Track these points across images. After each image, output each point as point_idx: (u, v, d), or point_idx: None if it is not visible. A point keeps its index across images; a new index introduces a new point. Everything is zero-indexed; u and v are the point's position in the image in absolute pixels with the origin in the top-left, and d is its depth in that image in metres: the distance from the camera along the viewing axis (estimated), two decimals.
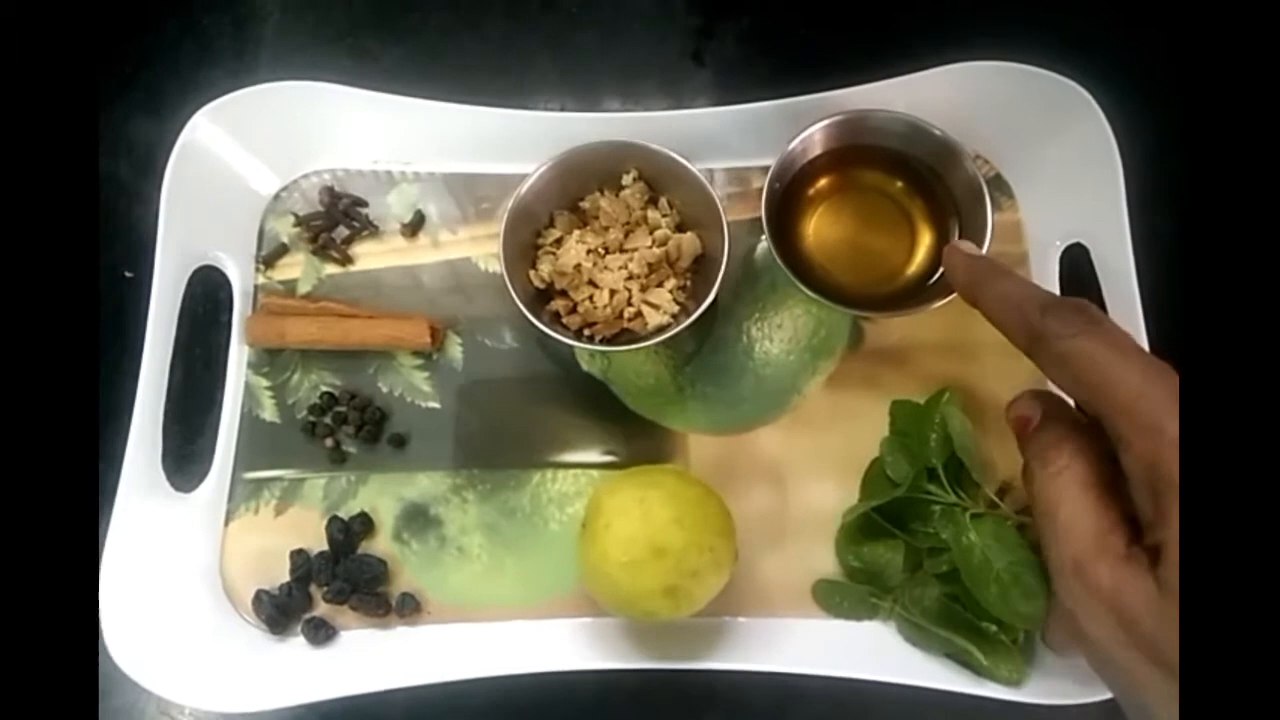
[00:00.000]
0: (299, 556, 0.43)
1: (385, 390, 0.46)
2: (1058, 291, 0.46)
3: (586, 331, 0.45)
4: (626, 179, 0.46)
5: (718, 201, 0.43)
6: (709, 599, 0.38)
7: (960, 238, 0.44)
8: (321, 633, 0.41)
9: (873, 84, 0.46)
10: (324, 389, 0.46)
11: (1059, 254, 0.46)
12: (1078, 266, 0.45)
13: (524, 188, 0.44)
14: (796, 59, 0.53)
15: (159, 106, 0.53)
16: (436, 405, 0.46)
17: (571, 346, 0.44)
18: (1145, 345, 0.41)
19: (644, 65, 0.53)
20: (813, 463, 0.44)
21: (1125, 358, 0.28)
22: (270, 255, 0.48)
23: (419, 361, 0.46)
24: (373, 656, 0.42)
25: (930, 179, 0.45)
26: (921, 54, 0.46)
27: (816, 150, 0.45)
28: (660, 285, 0.45)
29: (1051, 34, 0.47)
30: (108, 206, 0.51)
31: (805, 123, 0.45)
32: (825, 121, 0.44)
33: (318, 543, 0.43)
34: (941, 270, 0.44)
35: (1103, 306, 0.44)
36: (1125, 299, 0.43)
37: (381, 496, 0.44)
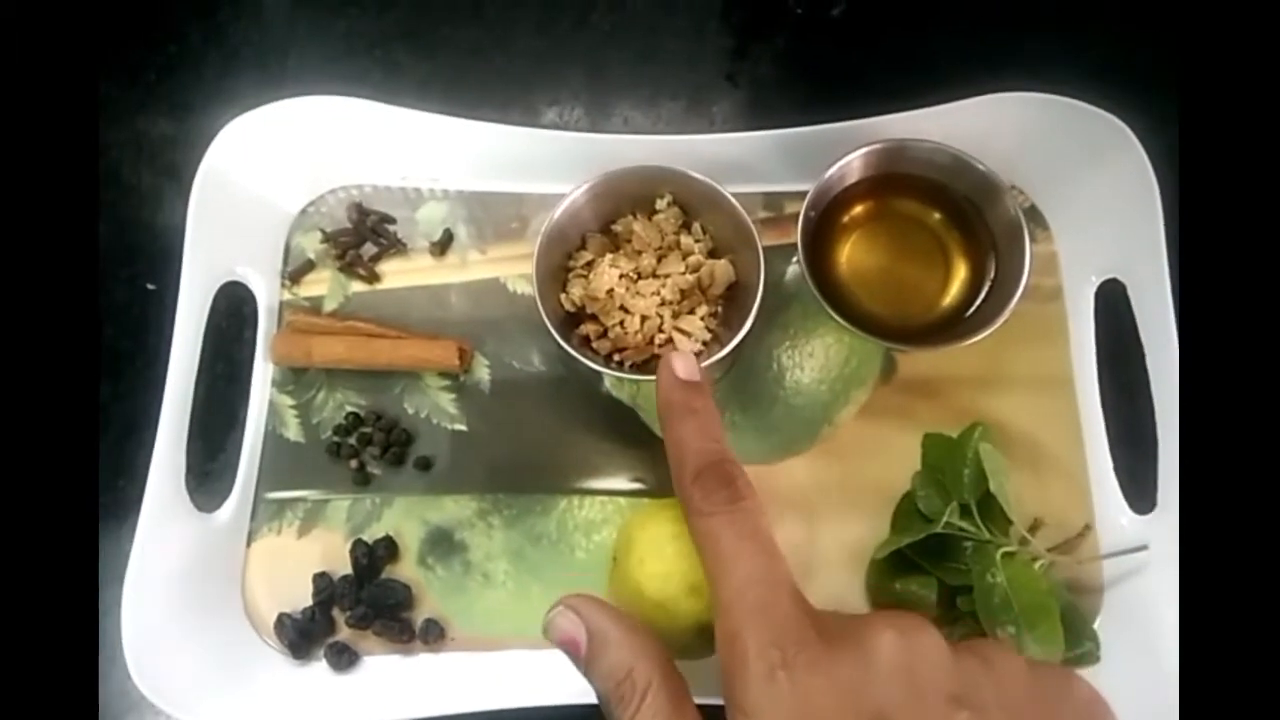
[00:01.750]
0: (322, 580, 0.42)
1: (411, 411, 0.45)
2: (1091, 329, 0.45)
3: (616, 357, 0.44)
4: (660, 203, 0.46)
5: (753, 229, 0.43)
6: None
7: (997, 275, 0.44)
8: (344, 658, 0.41)
9: (908, 112, 0.45)
10: (349, 409, 0.45)
11: (1094, 289, 0.46)
12: (1114, 302, 0.45)
13: (559, 209, 0.44)
14: (829, 83, 0.52)
15: (183, 116, 0.52)
16: (463, 428, 0.45)
17: (600, 372, 0.44)
18: (1177, 384, 0.41)
19: (677, 85, 0.52)
20: (843, 495, 0.44)
21: (743, 552, 0.27)
22: (296, 271, 0.47)
23: (446, 383, 0.46)
24: (395, 684, 0.41)
25: (970, 213, 0.45)
26: (956, 82, 0.45)
27: (854, 177, 0.45)
28: (692, 312, 0.45)
29: (1089, 65, 0.46)
30: (130, 216, 0.51)
31: (840, 149, 0.44)
32: (865, 148, 0.44)
33: (341, 566, 0.43)
34: (976, 305, 0.44)
35: (1139, 345, 0.43)
36: (1162, 336, 0.42)
37: (406, 520, 0.44)
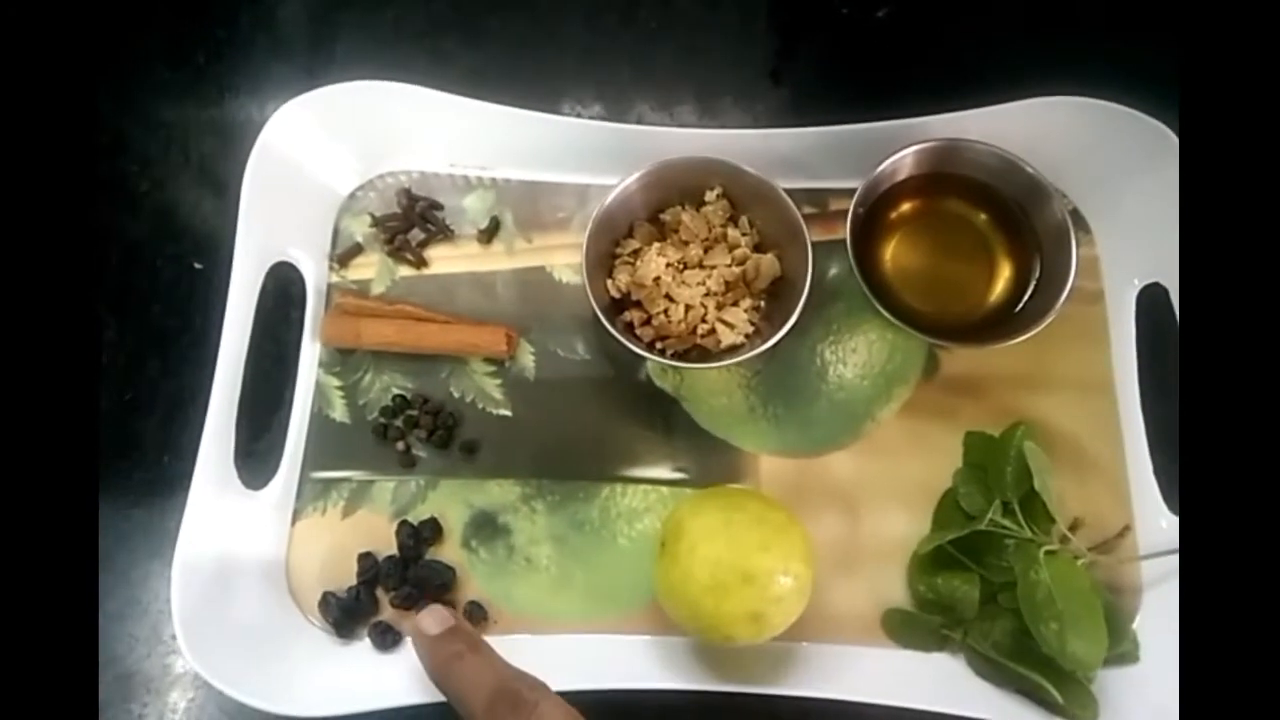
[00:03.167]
0: (366, 560, 0.42)
1: (457, 395, 0.46)
2: (1133, 333, 0.46)
3: (659, 345, 0.45)
4: (710, 195, 0.46)
5: (803, 225, 0.43)
6: (787, 625, 0.38)
7: (1041, 277, 0.44)
8: (388, 638, 0.41)
9: (953, 113, 0.46)
10: (396, 391, 0.45)
11: (1136, 293, 0.46)
12: (1156, 306, 0.45)
13: (610, 197, 0.44)
14: (872, 84, 0.53)
15: (231, 99, 0.53)
16: (508, 413, 0.45)
17: (643, 359, 0.44)
18: None
19: (721, 82, 0.53)
20: (885, 490, 0.44)
21: None
22: (345, 254, 0.48)
23: (492, 368, 0.46)
24: None
25: (1017, 215, 0.45)
26: (1000, 85, 0.46)
27: (904, 174, 0.45)
28: (736, 304, 0.45)
29: (1135, 71, 0.46)
30: (177, 196, 0.51)
31: (886, 148, 0.45)
32: (916, 146, 0.44)
33: (385, 546, 0.43)
34: (1020, 306, 0.45)
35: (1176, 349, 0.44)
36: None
37: (450, 503, 0.44)
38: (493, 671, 0.32)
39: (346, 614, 0.41)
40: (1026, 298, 0.45)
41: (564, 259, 0.48)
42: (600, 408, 0.46)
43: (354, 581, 0.42)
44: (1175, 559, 0.41)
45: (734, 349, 0.44)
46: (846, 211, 0.44)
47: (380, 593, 0.42)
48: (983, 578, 0.41)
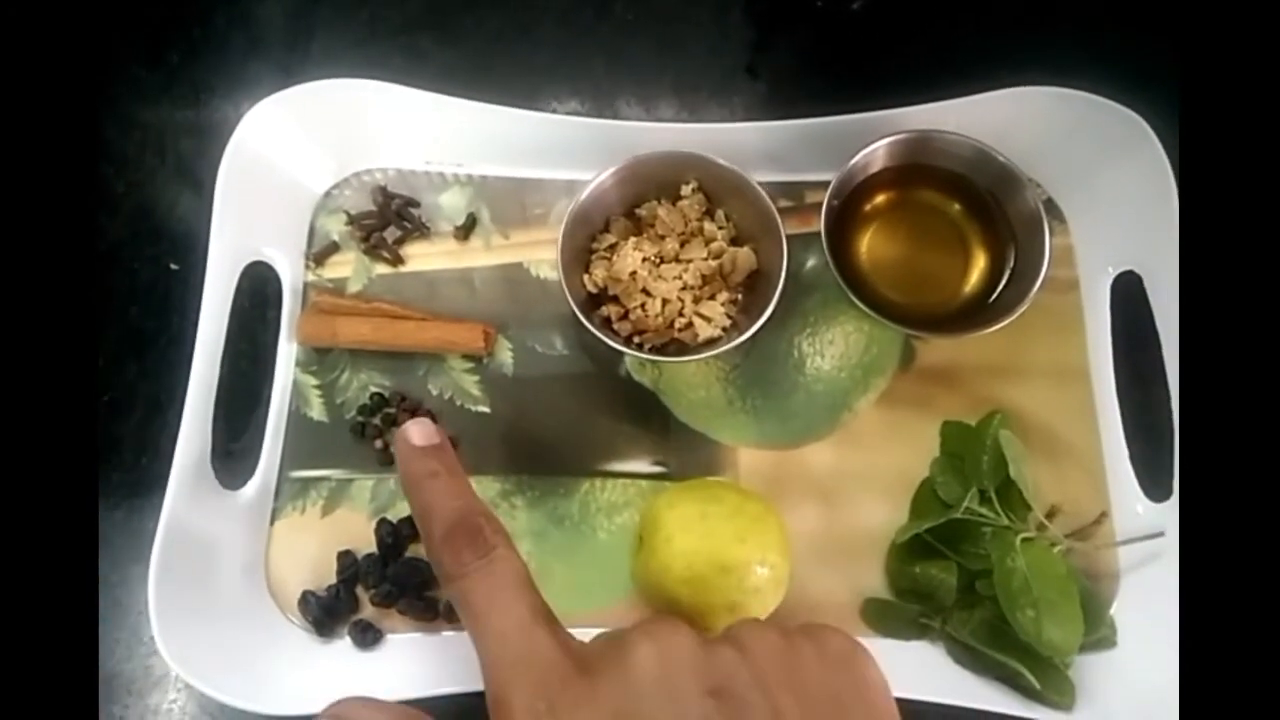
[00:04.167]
0: (346, 558, 0.42)
1: (435, 392, 0.46)
2: (1107, 321, 0.46)
3: (636, 339, 0.45)
4: (686, 189, 0.46)
5: (778, 217, 0.43)
6: (765, 616, 0.38)
7: (1016, 266, 0.44)
8: (368, 636, 0.41)
9: (928, 105, 0.46)
10: (373, 389, 0.45)
11: (1110, 280, 0.46)
12: (1130, 294, 0.46)
13: (585, 192, 0.44)
14: (849, 76, 0.53)
15: (207, 99, 0.53)
16: (486, 409, 0.45)
17: (621, 353, 0.44)
18: None
19: (697, 75, 0.53)
20: (863, 480, 0.44)
21: (496, 605, 0.28)
22: (320, 253, 0.48)
23: (469, 365, 0.46)
24: (419, 661, 0.41)
25: (990, 205, 0.45)
26: (974, 76, 0.46)
27: (878, 166, 0.45)
28: (713, 298, 0.45)
29: (1107, 61, 0.47)
30: (153, 197, 0.51)
31: (861, 140, 0.45)
32: (889, 138, 0.44)
33: (364, 545, 0.43)
34: (995, 295, 0.45)
35: (1155, 336, 0.44)
36: (1176, 328, 0.43)
37: None
38: (462, 500, 0.30)
39: (326, 613, 0.41)
40: (1001, 287, 0.45)
41: (541, 255, 0.48)
42: (579, 403, 0.46)
43: (334, 580, 0.42)
44: (1151, 544, 0.42)
45: (711, 342, 0.44)
46: (821, 204, 0.44)
47: (360, 591, 0.42)
48: (960, 566, 0.41)
